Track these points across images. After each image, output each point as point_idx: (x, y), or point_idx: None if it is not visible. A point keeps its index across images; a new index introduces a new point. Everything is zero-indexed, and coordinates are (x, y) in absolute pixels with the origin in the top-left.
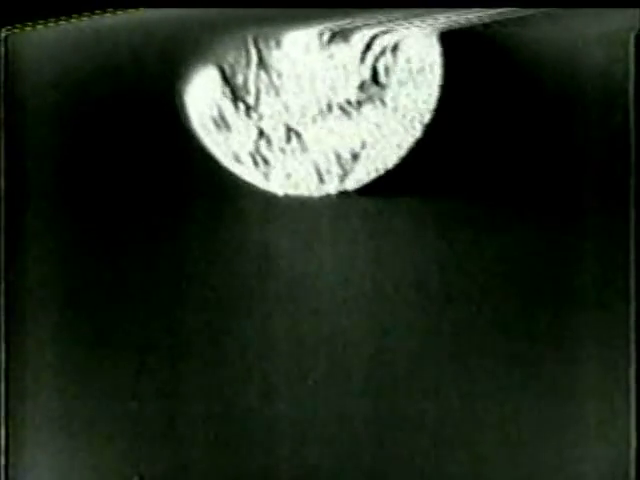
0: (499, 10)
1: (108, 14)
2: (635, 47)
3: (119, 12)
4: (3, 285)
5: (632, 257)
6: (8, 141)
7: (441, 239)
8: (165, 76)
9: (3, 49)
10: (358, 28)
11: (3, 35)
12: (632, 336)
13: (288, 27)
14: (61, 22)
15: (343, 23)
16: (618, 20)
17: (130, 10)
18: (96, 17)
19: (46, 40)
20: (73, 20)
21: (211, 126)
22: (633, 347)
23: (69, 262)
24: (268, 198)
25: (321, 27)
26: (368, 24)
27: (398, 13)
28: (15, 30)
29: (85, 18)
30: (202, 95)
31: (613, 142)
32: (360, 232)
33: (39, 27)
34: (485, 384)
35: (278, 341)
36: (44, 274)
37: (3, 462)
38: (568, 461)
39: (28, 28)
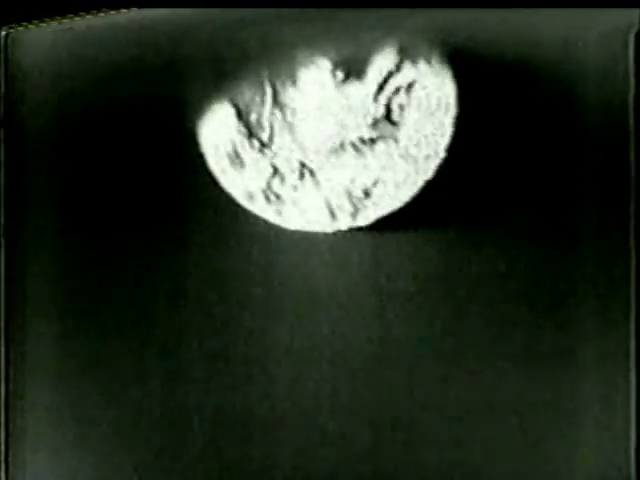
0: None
1: (107, 14)
2: (635, 47)
3: (118, 12)
4: (3, 285)
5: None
6: (8, 141)
7: (450, 270)
8: (164, 76)
9: (3, 48)
10: (371, 61)
11: (3, 34)
12: (632, 335)
13: (300, 57)
14: (61, 22)
15: (354, 51)
16: (618, 20)
17: (129, 10)
18: (96, 17)
19: (46, 40)
20: (73, 20)
21: (226, 162)
22: (633, 348)
23: (71, 268)
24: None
25: (335, 59)
26: (379, 51)
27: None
28: (15, 30)
29: (85, 18)
30: (217, 131)
31: (613, 142)
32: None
33: (39, 27)
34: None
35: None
36: (44, 277)
37: (3, 462)
38: (568, 461)
39: (28, 28)
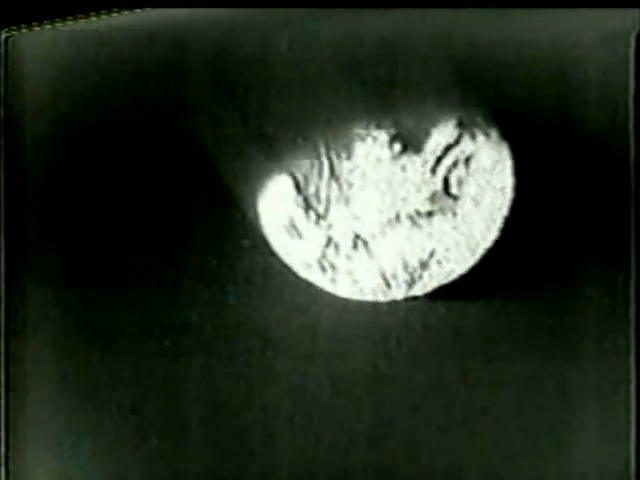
0: None
1: (108, 14)
2: (635, 47)
3: (119, 12)
4: (3, 285)
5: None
6: (8, 141)
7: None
8: (167, 77)
9: (3, 49)
10: (428, 133)
11: (3, 35)
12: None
13: (356, 130)
14: (61, 22)
15: (412, 124)
16: (618, 20)
17: (131, 10)
18: (96, 17)
19: (46, 40)
20: (73, 20)
21: (283, 233)
22: (633, 347)
23: (72, 268)
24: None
25: (392, 132)
26: (437, 124)
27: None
28: (15, 30)
29: (85, 18)
30: (276, 203)
31: (613, 143)
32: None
33: (39, 27)
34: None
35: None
36: (44, 277)
37: (3, 462)
38: (568, 461)
39: (28, 28)
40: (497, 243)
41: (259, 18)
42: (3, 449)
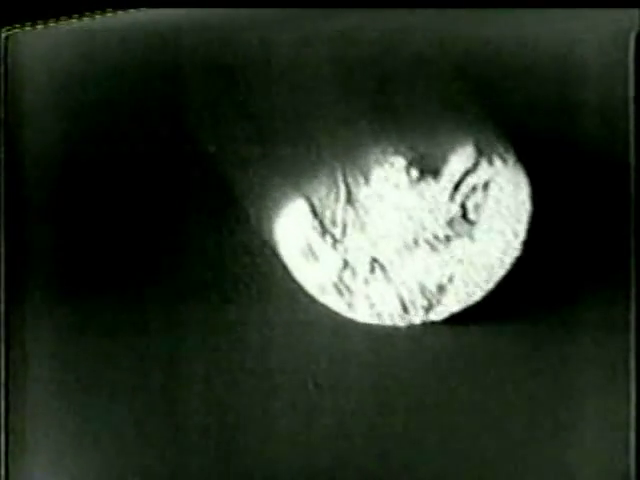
0: None
1: (108, 14)
2: (635, 47)
3: (119, 12)
4: (3, 285)
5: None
6: (8, 141)
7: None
8: (168, 77)
9: (3, 49)
10: (446, 159)
11: (3, 35)
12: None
13: (374, 155)
14: (61, 22)
15: (429, 150)
16: (618, 20)
17: (130, 10)
18: (96, 17)
19: (46, 40)
20: (73, 20)
21: (299, 257)
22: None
23: (72, 269)
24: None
25: (409, 157)
26: (455, 149)
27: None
28: (15, 30)
29: (85, 18)
30: (292, 227)
31: (613, 143)
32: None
33: (39, 27)
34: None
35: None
36: (44, 277)
37: (3, 463)
38: (568, 461)
39: (28, 28)
40: (515, 267)
41: (259, 18)
42: (3, 449)
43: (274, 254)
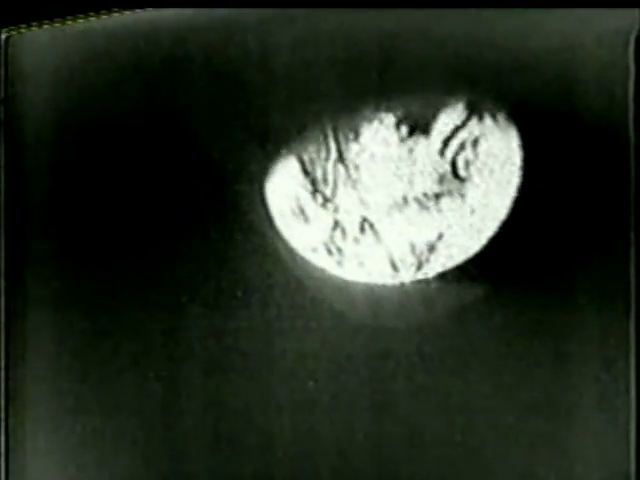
0: None
1: (108, 14)
2: (635, 47)
3: (119, 12)
4: (3, 285)
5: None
6: (8, 141)
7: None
8: (168, 77)
9: (3, 49)
10: (436, 116)
11: (3, 35)
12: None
13: (364, 112)
14: (61, 22)
15: (419, 106)
16: (618, 20)
17: (131, 10)
18: (97, 17)
19: (46, 40)
20: (73, 20)
21: (289, 216)
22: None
23: (72, 270)
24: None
25: (399, 114)
26: (445, 106)
27: None
28: (15, 30)
29: (86, 18)
30: (282, 186)
31: (613, 143)
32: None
33: (39, 27)
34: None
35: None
36: (45, 276)
37: (3, 463)
38: (568, 462)
39: (28, 28)
40: (505, 225)
41: (259, 18)
42: (3, 449)
43: (264, 214)
